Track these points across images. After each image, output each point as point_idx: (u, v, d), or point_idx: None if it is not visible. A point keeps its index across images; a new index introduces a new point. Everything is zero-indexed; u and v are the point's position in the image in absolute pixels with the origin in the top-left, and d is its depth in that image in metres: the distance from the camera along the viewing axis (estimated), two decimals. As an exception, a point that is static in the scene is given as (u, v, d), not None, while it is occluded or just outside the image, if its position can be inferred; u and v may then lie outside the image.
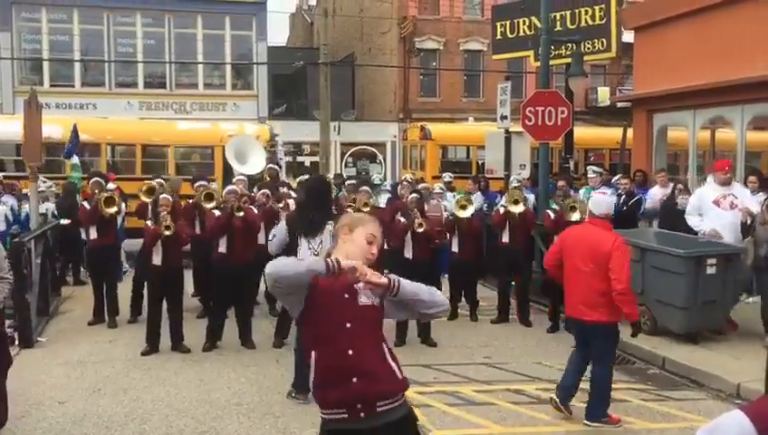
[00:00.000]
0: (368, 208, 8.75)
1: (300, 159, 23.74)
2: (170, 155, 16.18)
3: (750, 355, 7.44)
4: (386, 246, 6.43)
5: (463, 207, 9.21)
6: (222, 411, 6.04)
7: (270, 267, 2.89)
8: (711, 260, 7.83)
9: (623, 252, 5.58)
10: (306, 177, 10.70)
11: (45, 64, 26.47)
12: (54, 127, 13.78)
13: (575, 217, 8.55)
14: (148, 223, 7.92)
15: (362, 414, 2.89)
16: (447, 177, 13.61)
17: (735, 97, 11.07)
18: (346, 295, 2.94)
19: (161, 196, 8.06)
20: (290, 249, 6.10)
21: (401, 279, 2.95)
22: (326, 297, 2.93)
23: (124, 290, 9.50)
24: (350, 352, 2.89)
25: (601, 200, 6.04)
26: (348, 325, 2.91)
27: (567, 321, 6.04)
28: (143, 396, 6.42)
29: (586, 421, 5.81)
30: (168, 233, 7.71)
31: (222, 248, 8.01)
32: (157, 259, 7.82)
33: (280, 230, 6.38)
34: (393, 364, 3.00)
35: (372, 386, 2.89)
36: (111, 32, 26.75)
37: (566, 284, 5.86)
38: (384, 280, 2.88)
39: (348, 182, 12.75)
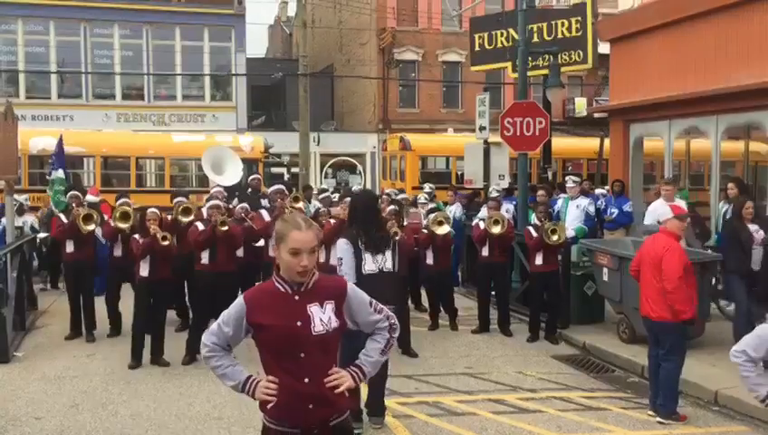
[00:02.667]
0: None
1: (277, 170, 23.58)
2: (166, 167, 16.13)
3: (727, 363, 7.49)
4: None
5: (440, 224, 9.26)
6: (202, 425, 5.99)
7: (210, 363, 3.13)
8: (688, 268, 7.94)
9: (672, 254, 6.07)
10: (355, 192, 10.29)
11: (21, 76, 26.20)
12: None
13: (554, 238, 8.73)
14: (136, 236, 7.86)
15: (316, 431, 2.91)
16: (428, 187, 13.65)
17: (710, 107, 11.20)
18: (299, 323, 2.86)
19: (149, 210, 8.00)
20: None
21: (362, 365, 3.03)
22: (277, 332, 2.86)
23: (102, 304, 9.40)
24: (306, 380, 2.85)
25: (667, 213, 6.46)
26: (302, 355, 2.86)
27: (643, 321, 6.54)
28: (122, 411, 6.36)
29: (660, 420, 6.15)
30: (166, 243, 7.69)
31: (204, 260, 8.02)
32: (144, 271, 7.77)
33: (346, 254, 5.70)
34: None
35: (328, 410, 2.91)
36: (89, 43, 26.54)
37: (640, 287, 6.43)
38: (349, 382, 2.92)
39: (322, 195, 12.37)
